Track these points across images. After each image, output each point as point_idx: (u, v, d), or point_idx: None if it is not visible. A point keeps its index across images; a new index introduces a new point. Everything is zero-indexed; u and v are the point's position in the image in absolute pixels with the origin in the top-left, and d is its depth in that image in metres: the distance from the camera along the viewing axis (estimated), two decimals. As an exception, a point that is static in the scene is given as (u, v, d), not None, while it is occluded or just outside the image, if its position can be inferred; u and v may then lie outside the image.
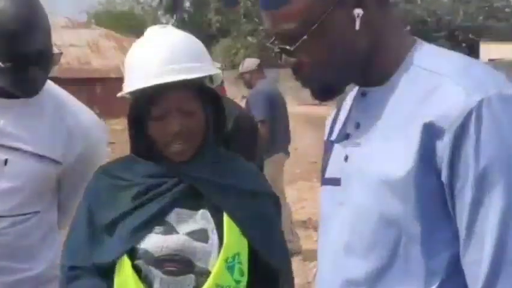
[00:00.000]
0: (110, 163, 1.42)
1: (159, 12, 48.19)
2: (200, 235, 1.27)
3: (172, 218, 1.27)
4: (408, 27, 38.20)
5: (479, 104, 0.83)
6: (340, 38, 0.93)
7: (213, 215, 1.28)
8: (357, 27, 0.91)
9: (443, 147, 0.84)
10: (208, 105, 1.30)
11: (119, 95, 1.31)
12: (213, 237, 1.27)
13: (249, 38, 35.85)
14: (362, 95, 1.00)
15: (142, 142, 1.30)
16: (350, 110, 1.04)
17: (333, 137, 1.07)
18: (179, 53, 1.26)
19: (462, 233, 0.85)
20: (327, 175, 1.05)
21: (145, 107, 1.25)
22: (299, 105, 14.54)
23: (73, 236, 1.35)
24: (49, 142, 1.57)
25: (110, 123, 14.98)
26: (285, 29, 0.93)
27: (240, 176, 1.35)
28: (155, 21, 44.79)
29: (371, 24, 0.93)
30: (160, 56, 1.25)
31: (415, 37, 1.00)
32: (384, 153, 0.91)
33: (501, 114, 0.83)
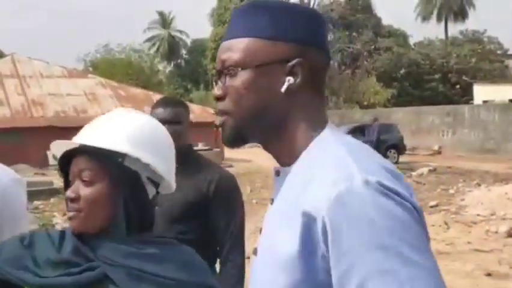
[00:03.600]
0: (41, 233, 1.34)
1: (156, 60, 48.95)
2: None
3: None
4: (403, 70, 38.74)
5: (342, 193, 0.88)
6: (264, 90, 1.01)
7: None
8: (282, 90, 1.00)
9: (318, 234, 0.90)
10: (124, 184, 1.25)
11: (51, 157, 1.35)
12: None
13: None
14: (276, 173, 1.08)
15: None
16: None
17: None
18: (109, 127, 1.28)
19: None
20: None
21: (61, 171, 1.30)
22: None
23: None
24: None
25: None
26: (229, 58, 1.02)
27: (164, 264, 1.25)
28: (152, 68, 45.39)
29: (295, 97, 1.01)
30: (90, 125, 1.29)
31: (329, 122, 1.05)
32: (279, 233, 0.96)
33: (361, 200, 0.87)
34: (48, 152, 16.46)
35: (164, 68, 53.82)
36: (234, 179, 2.39)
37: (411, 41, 45.55)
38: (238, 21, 1.05)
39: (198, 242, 2.24)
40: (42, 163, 16.18)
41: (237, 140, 1.06)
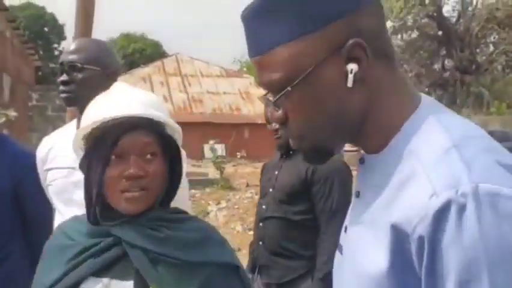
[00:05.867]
0: (70, 219, 1.28)
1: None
2: None
3: (98, 286, 1.13)
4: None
5: (444, 207, 0.70)
6: (329, 95, 0.81)
7: None
8: (349, 84, 0.79)
9: (411, 252, 0.74)
10: (169, 155, 1.18)
11: (79, 132, 1.18)
12: None
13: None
14: (360, 161, 0.89)
15: (96, 191, 1.14)
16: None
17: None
18: (143, 99, 1.18)
19: None
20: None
21: (106, 148, 1.12)
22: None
23: None
24: None
25: (255, 166, 15.54)
26: (269, 79, 0.83)
27: (185, 244, 1.15)
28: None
29: (366, 81, 0.81)
30: (125, 97, 1.17)
31: (423, 96, 0.86)
32: (365, 242, 0.82)
33: (469, 217, 0.68)
34: (204, 146, 17.55)
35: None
36: (337, 162, 2.48)
37: None
38: (255, 31, 0.84)
39: (305, 225, 2.46)
40: (199, 156, 17.34)
41: (322, 159, 0.89)
